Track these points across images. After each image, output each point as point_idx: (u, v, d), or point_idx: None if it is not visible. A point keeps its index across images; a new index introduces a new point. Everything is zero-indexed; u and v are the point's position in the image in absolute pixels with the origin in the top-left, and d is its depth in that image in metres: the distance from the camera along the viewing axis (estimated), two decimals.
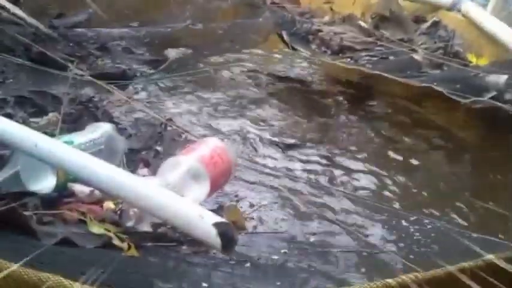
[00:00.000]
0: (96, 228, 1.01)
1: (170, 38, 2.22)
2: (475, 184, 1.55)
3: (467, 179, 1.57)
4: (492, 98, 1.81)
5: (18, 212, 0.95)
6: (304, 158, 1.55)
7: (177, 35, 2.23)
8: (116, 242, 0.98)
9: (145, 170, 1.28)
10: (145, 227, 1.05)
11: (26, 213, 1.01)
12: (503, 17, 2.34)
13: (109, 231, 1.01)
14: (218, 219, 0.92)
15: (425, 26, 2.46)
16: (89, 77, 1.64)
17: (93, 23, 2.19)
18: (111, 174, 1.02)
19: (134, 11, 2.33)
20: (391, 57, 2.16)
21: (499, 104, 1.77)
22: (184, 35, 2.25)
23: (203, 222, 0.92)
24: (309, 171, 1.49)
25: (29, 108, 1.42)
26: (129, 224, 1.05)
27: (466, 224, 1.28)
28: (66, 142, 1.16)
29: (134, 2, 2.38)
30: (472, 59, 2.29)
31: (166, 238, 1.06)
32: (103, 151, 1.26)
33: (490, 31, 2.19)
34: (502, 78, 1.88)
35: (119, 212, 1.08)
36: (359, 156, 1.61)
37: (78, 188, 1.14)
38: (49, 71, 1.68)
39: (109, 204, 1.12)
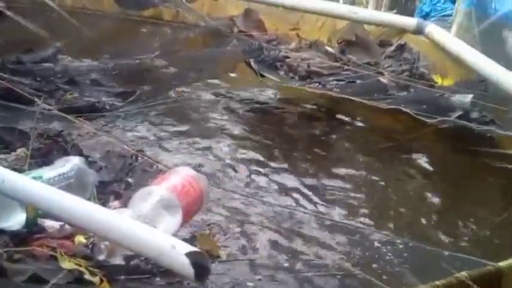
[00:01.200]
0: (67, 263, 1.00)
1: (138, 69, 2.23)
2: (444, 201, 1.58)
3: (435, 198, 1.59)
4: (458, 117, 1.85)
5: None
6: (274, 182, 1.56)
7: (146, 66, 2.23)
8: (88, 276, 0.97)
9: (116, 202, 1.27)
10: (118, 260, 1.04)
11: None
12: (467, 38, 2.40)
13: (80, 265, 1.00)
14: (191, 248, 0.92)
15: (390, 49, 2.50)
16: (57, 111, 1.63)
17: (61, 57, 2.18)
18: (81, 208, 1.01)
19: (102, 44, 2.34)
20: (358, 81, 2.19)
21: (465, 123, 1.81)
22: (152, 66, 2.25)
23: (176, 252, 0.91)
24: (279, 194, 1.49)
25: None
26: (101, 257, 1.04)
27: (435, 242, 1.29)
28: (34, 177, 1.15)
29: (102, 35, 2.39)
30: (438, 80, 2.34)
31: (140, 270, 1.05)
32: (73, 185, 1.24)
33: (453, 52, 2.24)
34: (468, 97, 1.93)
35: (90, 246, 1.07)
36: (328, 179, 1.62)
37: (48, 223, 1.13)
38: (16, 106, 1.66)
39: (80, 238, 1.10)
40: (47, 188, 1.07)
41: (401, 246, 1.24)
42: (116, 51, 2.32)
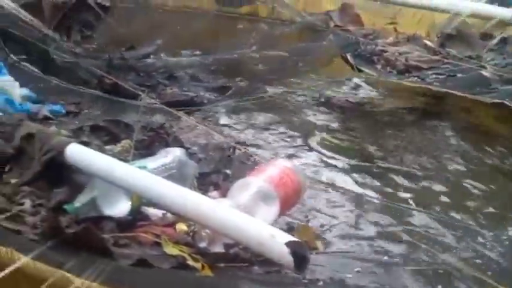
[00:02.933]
0: (171, 249, 1.03)
1: (236, 64, 2.26)
2: None
3: None
4: None
5: (95, 234, 0.98)
6: (372, 178, 1.54)
7: (243, 61, 2.27)
8: (191, 262, 1.00)
9: (215, 193, 1.30)
10: (218, 248, 1.06)
11: (103, 236, 1.04)
12: None
13: (183, 252, 1.02)
14: (290, 238, 0.92)
15: (493, 42, 2.41)
16: (159, 105, 1.69)
17: (162, 53, 2.26)
18: (183, 196, 1.04)
19: (200, 40, 2.39)
20: (459, 75, 2.12)
21: None
22: (249, 61, 2.28)
23: (275, 241, 0.92)
24: (378, 191, 1.47)
25: (103, 136, 1.47)
26: (202, 244, 1.06)
27: None
28: (139, 167, 1.20)
29: (200, 32, 2.45)
30: None
31: (239, 258, 1.06)
32: (175, 175, 1.28)
33: None
34: None
35: (191, 234, 1.09)
36: (434, 175, 1.58)
37: (151, 211, 1.17)
38: (121, 100, 1.74)
39: (182, 226, 1.14)
40: (151, 177, 1.11)
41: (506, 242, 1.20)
42: (214, 47, 2.37)
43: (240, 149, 1.50)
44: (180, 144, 1.48)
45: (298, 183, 1.23)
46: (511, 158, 1.75)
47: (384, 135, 1.85)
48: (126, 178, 1.10)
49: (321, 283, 1.00)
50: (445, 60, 2.22)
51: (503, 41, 2.40)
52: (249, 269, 1.05)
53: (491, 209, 1.43)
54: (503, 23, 2.47)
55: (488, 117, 1.94)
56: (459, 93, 1.86)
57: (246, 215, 1.01)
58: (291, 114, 1.94)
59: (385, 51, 2.30)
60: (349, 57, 2.20)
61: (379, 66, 2.23)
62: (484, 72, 2.09)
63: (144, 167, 1.24)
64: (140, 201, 1.17)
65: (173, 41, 2.36)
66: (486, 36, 2.48)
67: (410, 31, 2.52)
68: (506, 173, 1.68)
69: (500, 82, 2.05)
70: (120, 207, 1.17)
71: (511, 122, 1.87)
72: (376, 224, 1.30)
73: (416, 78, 2.11)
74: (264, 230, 0.95)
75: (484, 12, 2.46)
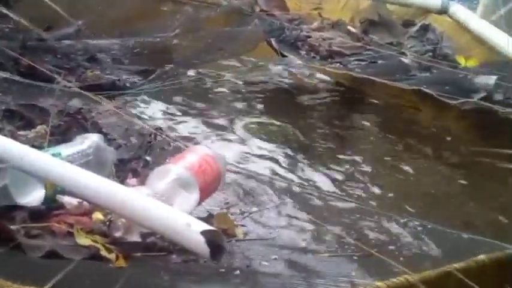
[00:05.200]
0: (84, 240, 1.00)
1: (159, 48, 2.22)
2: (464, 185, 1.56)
3: (456, 181, 1.57)
4: (482, 99, 1.82)
5: (3, 224, 0.94)
6: (296, 164, 1.55)
7: (166, 44, 2.23)
8: (104, 253, 0.98)
9: (134, 180, 1.28)
10: (135, 237, 1.04)
11: (14, 226, 1.00)
12: (493, 20, 2.35)
13: (97, 242, 1.00)
14: (206, 227, 0.91)
15: (414, 29, 2.46)
16: (77, 89, 1.64)
17: (82, 35, 2.19)
18: (99, 185, 1.01)
19: (123, 22, 2.33)
20: (380, 61, 2.16)
21: (489, 105, 1.78)
22: (173, 45, 2.25)
23: (191, 230, 0.91)
24: (302, 178, 1.48)
25: (17, 121, 1.42)
26: (118, 234, 1.04)
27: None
28: (53, 154, 1.16)
29: (123, 13, 2.38)
30: (461, 61, 2.29)
31: (156, 248, 1.05)
32: (91, 162, 1.25)
33: (478, 33, 2.20)
34: (492, 79, 1.89)
35: (107, 223, 1.07)
36: (354, 160, 1.60)
37: (66, 199, 1.14)
38: (37, 83, 1.67)
39: (98, 215, 1.11)
40: (65, 164, 1.07)
41: (419, 228, 1.23)
42: (137, 30, 2.31)
43: (160, 135, 1.48)
44: (99, 130, 1.44)
45: (218, 170, 1.22)
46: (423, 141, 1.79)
47: (307, 121, 1.86)
48: (39, 166, 1.06)
49: (237, 272, 0.99)
50: (367, 47, 2.25)
51: (424, 28, 2.46)
52: (166, 258, 1.04)
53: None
54: (424, 11, 2.53)
55: (406, 103, 1.98)
56: (379, 80, 1.89)
57: (162, 204, 0.99)
58: (215, 99, 1.93)
59: (310, 37, 2.31)
60: (273, 42, 2.20)
61: (303, 52, 2.25)
62: (404, 59, 2.13)
63: (59, 154, 1.20)
64: (55, 189, 1.13)
65: (95, 22, 2.29)
66: (408, 23, 2.53)
67: (335, 17, 2.54)
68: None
69: (419, 69, 2.10)
70: (34, 196, 1.13)
71: (425, 107, 1.91)
72: (296, 210, 1.30)
73: (338, 64, 2.13)
74: (179, 219, 0.94)
75: (411, 0, 2.51)
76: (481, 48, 2.25)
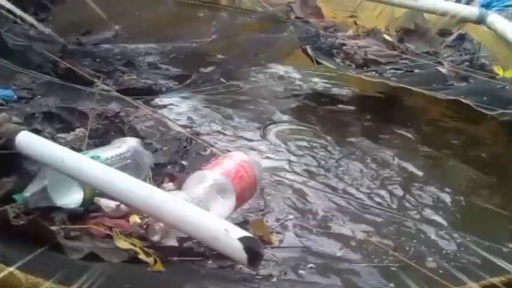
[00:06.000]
0: (123, 243, 1.01)
1: (195, 53, 2.24)
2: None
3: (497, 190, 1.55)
4: None
5: (44, 225, 0.96)
6: (329, 172, 1.54)
7: (202, 50, 2.24)
8: (142, 256, 0.98)
9: (171, 184, 1.29)
10: (172, 242, 1.05)
11: (53, 227, 1.01)
12: None
13: (135, 245, 1.01)
14: (244, 233, 0.91)
15: (450, 38, 2.44)
16: (115, 93, 1.66)
17: (120, 39, 2.21)
18: (136, 188, 1.02)
19: (160, 27, 2.36)
20: (417, 70, 2.14)
21: None
22: (209, 50, 2.26)
23: (229, 236, 0.91)
24: (337, 187, 1.48)
25: (56, 123, 1.44)
26: (155, 238, 1.05)
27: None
28: (92, 157, 1.17)
29: (159, 18, 2.41)
30: (499, 71, 2.26)
31: (192, 252, 1.05)
32: (129, 166, 1.26)
33: None
34: None
35: (145, 226, 1.08)
36: (386, 171, 1.59)
37: (104, 202, 1.15)
38: (76, 87, 1.70)
39: (135, 219, 1.12)
40: (104, 167, 1.09)
41: (458, 240, 1.22)
42: (174, 35, 2.33)
43: (196, 140, 1.48)
44: (136, 134, 1.45)
45: (254, 177, 1.22)
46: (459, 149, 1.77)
47: (343, 129, 1.85)
48: (78, 168, 1.08)
49: (274, 279, 0.99)
50: (403, 56, 2.23)
51: (461, 37, 2.43)
52: (202, 263, 1.04)
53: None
54: (461, 20, 2.50)
55: (443, 113, 1.96)
56: (415, 89, 1.87)
57: (200, 209, 1.00)
58: (250, 106, 1.92)
59: (345, 45, 2.30)
60: (308, 49, 2.19)
61: (338, 60, 2.24)
62: (441, 69, 2.11)
63: (98, 157, 1.21)
64: (93, 192, 1.15)
65: (132, 27, 2.32)
66: (444, 32, 2.51)
67: (370, 25, 2.53)
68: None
69: (456, 79, 2.08)
70: (72, 198, 1.15)
71: (463, 117, 1.89)
72: (332, 220, 1.30)
73: (374, 72, 2.12)
74: (217, 225, 0.94)
75: (445, 9, 2.48)
76: None
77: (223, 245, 0.92)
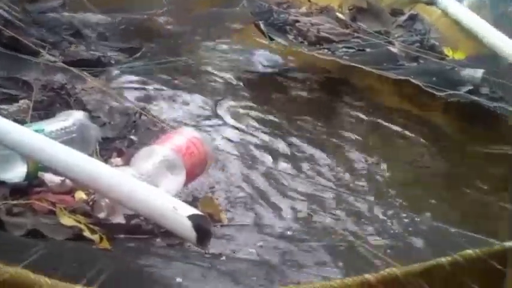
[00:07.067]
0: (67, 220, 0.98)
1: (146, 25, 2.19)
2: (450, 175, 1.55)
3: (442, 171, 1.57)
4: (468, 92, 1.82)
5: None
6: (278, 148, 1.53)
7: (153, 22, 2.19)
8: (87, 233, 0.96)
9: (118, 160, 1.26)
10: (119, 219, 1.03)
11: None
12: (480, 13, 2.34)
13: (80, 222, 0.98)
14: (193, 211, 0.90)
15: (402, 18, 2.45)
16: (61, 64, 1.60)
17: (68, 8, 2.14)
18: (82, 163, 0.99)
19: None
20: (368, 49, 2.14)
21: (475, 98, 1.78)
22: (160, 23, 2.21)
23: (177, 214, 0.90)
24: (288, 163, 1.47)
25: None
26: (102, 215, 1.02)
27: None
28: (36, 130, 1.13)
29: None
30: (449, 52, 2.29)
31: (140, 230, 1.03)
32: (75, 139, 1.23)
33: (466, 25, 2.19)
34: (479, 72, 1.89)
35: (90, 203, 1.05)
36: (334, 145, 1.59)
37: (48, 177, 1.11)
38: (21, 56, 1.63)
39: (81, 195, 1.09)
40: (48, 141, 1.05)
41: (406, 220, 1.23)
42: (125, 6, 2.27)
43: (146, 115, 1.45)
44: (83, 107, 1.41)
45: (204, 153, 1.21)
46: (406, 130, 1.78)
47: (293, 106, 1.84)
48: (21, 142, 1.04)
49: (223, 258, 0.98)
50: (355, 34, 2.23)
51: (412, 18, 2.45)
52: (150, 241, 1.02)
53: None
54: (413, 0, 2.51)
55: (392, 92, 1.97)
56: (367, 68, 1.88)
57: (148, 186, 0.98)
58: (201, 81, 1.89)
59: (298, 22, 2.29)
60: (261, 25, 2.17)
61: (291, 36, 2.22)
62: (392, 48, 2.12)
63: (42, 130, 1.17)
64: (37, 166, 1.11)
65: None
66: (396, 12, 2.52)
67: (324, 2, 2.52)
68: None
69: (407, 59, 2.09)
70: (15, 172, 1.11)
71: (414, 98, 1.90)
72: (283, 197, 1.29)
73: (326, 50, 2.11)
74: (166, 202, 0.92)
75: None
76: (469, 40, 2.24)
77: (171, 222, 0.91)
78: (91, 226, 0.98)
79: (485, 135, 1.70)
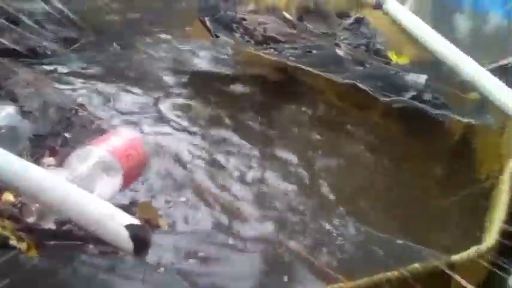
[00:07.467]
0: None
1: (87, 15, 2.09)
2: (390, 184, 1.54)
3: (381, 179, 1.55)
4: (412, 97, 1.82)
5: None
6: (224, 152, 1.48)
7: (95, 11, 2.10)
8: (14, 242, 0.88)
9: (51, 159, 1.17)
10: (49, 224, 0.95)
11: None
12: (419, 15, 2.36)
13: (6, 228, 0.90)
14: (131, 220, 0.84)
15: (348, 21, 2.44)
16: None
17: None
18: (9, 162, 0.91)
19: None
20: (314, 51, 2.12)
21: (418, 104, 1.78)
22: (102, 14, 2.12)
23: (114, 222, 0.83)
24: (231, 166, 1.42)
25: None
26: (30, 219, 0.95)
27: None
28: None
29: None
30: (393, 57, 2.29)
31: (72, 236, 0.96)
32: (4, 135, 1.15)
33: (410, 30, 2.19)
34: (422, 78, 1.90)
35: (19, 205, 0.97)
36: (278, 149, 1.55)
37: None
38: None
39: (8, 197, 1.01)
40: None
41: (353, 232, 1.20)
42: None
43: (82, 111, 1.37)
44: (14, 100, 1.32)
45: (143, 155, 1.15)
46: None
47: (238, 106, 1.79)
48: None
49: (161, 269, 0.92)
50: (302, 35, 2.21)
51: (358, 21, 2.44)
52: (82, 248, 0.95)
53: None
54: (359, 3, 2.51)
55: (337, 95, 1.95)
56: (314, 70, 1.85)
57: (83, 191, 0.90)
58: (142, 76, 1.82)
59: (245, 19, 2.24)
60: (207, 21, 2.11)
61: (237, 35, 2.17)
62: (338, 51, 2.10)
63: None
64: None
65: None
66: (343, 14, 2.51)
67: (270, 1, 2.48)
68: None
69: (353, 62, 2.08)
70: None
71: (357, 101, 1.89)
72: (225, 204, 1.24)
73: (273, 50, 2.07)
74: (102, 209, 0.86)
75: None
76: (413, 45, 2.24)
77: (107, 231, 0.84)
78: (18, 233, 0.90)
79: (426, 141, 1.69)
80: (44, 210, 0.95)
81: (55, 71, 1.69)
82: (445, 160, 1.70)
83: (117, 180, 1.08)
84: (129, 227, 0.82)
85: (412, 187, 1.51)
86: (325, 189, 1.40)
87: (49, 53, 1.80)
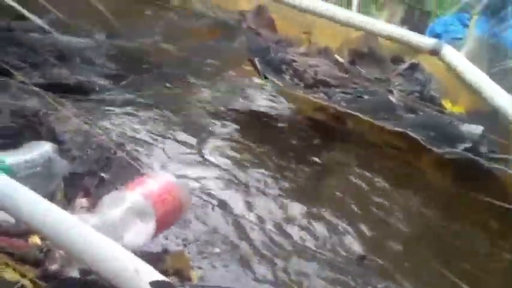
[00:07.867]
0: (10, 274, 0.86)
1: (137, 53, 2.09)
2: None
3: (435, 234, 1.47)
4: (466, 149, 1.73)
5: None
6: (262, 202, 1.42)
7: (145, 50, 2.09)
8: None
9: (84, 200, 1.14)
10: (73, 272, 0.91)
11: None
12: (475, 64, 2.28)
13: (25, 276, 0.86)
14: (156, 276, 0.78)
15: (402, 67, 2.38)
16: (34, 88, 1.48)
17: (55, 28, 2.03)
18: (35, 204, 0.87)
19: (100, 21, 2.18)
20: (366, 96, 2.05)
21: (473, 157, 1.69)
22: (152, 52, 2.11)
23: (138, 278, 0.78)
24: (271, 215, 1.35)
25: None
26: (54, 266, 0.90)
27: None
28: None
29: (102, 11, 2.24)
30: (447, 105, 2.21)
31: (96, 286, 0.91)
32: (38, 174, 1.12)
33: (468, 79, 2.12)
34: (478, 129, 1.82)
35: (44, 250, 0.93)
36: (326, 205, 1.48)
37: (2, 215, 0.99)
38: None
39: (35, 239, 0.97)
40: (3, 178, 0.93)
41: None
42: (115, 31, 2.17)
43: (121, 152, 1.34)
44: (53, 138, 1.30)
45: (179, 201, 1.10)
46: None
47: (285, 151, 1.73)
48: None
49: None
50: (354, 80, 2.15)
51: (413, 67, 2.38)
52: None
53: None
54: (415, 49, 2.44)
55: (387, 144, 1.88)
56: (364, 117, 1.79)
57: (109, 240, 0.85)
58: (188, 118, 1.78)
59: (295, 61, 2.20)
60: (257, 62, 2.07)
61: (287, 77, 2.13)
62: (391, 97, 2.04)
63: (3, 162, 1.07)
64: None
65: (70, 17, 2.14)
66: (397, 59, 2.45)
67: (323, 43, 2.44)
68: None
69: (404, 109, 2.01)
70: None
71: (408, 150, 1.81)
72: (264, 257, 1.18)
73: (323, 94, 2.02)
74: (127, 263, 0.80)
75: (401, 36, 2.40)
76: (469, 94, 2.16)
77: (130, 286, 0.79)
78: (37, 281, 0.85)
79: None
80: (69, 258, 0.90)
81: (100, 107, 1.66)
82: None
83: (150, 226, 1.03)
84: (153, 284, 0.77)
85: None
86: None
87: (97, 88, 1.78)
